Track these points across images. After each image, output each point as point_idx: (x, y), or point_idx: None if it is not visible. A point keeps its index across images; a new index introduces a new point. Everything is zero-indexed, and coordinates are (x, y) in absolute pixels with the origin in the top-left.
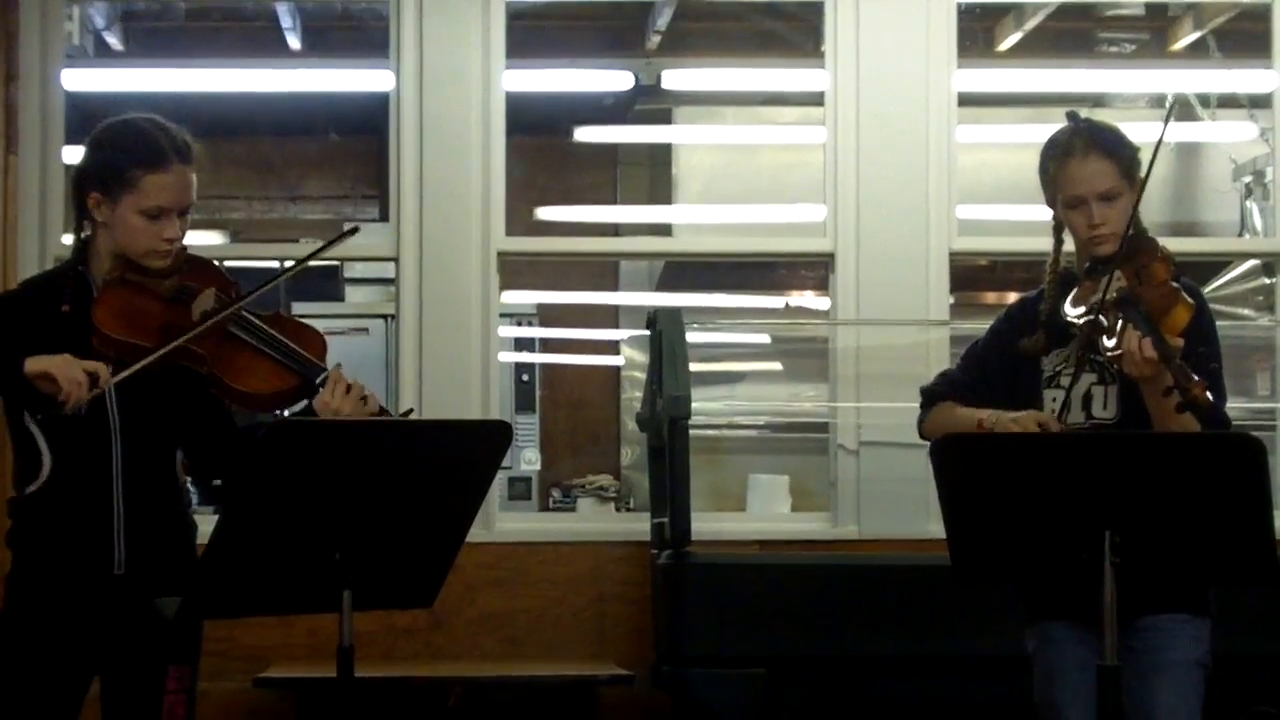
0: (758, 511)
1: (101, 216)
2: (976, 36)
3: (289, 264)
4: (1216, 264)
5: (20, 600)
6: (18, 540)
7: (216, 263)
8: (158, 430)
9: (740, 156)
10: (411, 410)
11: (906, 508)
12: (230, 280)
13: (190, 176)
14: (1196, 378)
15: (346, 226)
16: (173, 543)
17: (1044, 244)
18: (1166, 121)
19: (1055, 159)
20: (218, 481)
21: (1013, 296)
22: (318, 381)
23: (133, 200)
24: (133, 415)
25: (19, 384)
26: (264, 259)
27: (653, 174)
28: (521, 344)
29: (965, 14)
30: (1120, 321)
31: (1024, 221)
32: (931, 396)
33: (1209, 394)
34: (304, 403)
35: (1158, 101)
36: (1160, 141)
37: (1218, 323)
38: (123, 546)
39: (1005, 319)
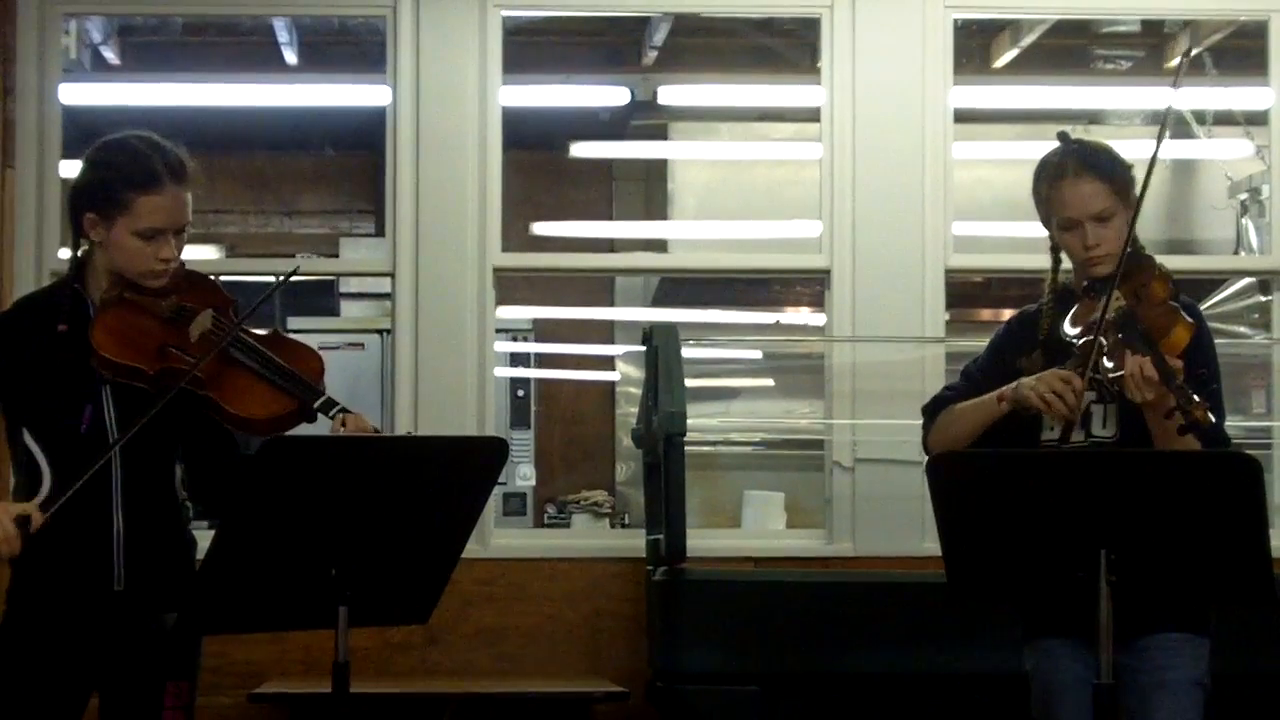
0: (753, 528)
1: (97, 237)
2: (973, 53)
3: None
4: (1212, 282)
5: (19, 616)
6: (17, 556)
7: (213, 278)
8: (157, 448)
9: (736, 172)
10: (410, 434)
11: (902, 525)
12: (228, 298)
13: (185, 196)
14: (1198, 399)
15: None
16: (172, 559)
17: (1040, 261)
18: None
19: (1048, 181)
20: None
21: (1008, 313)
22: (315, 406)
23: (127, 222)
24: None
25: None
26: (259, 274)
27: (648, 189)
28: (517, 359)
29: (961, 30)
30: (1120, 342)
31: (1020, 238)
32: (933, 411)
33: (1211, 415)
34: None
35: (1153, 119)
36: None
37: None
38: (122, 563)
39: (1004, 334)
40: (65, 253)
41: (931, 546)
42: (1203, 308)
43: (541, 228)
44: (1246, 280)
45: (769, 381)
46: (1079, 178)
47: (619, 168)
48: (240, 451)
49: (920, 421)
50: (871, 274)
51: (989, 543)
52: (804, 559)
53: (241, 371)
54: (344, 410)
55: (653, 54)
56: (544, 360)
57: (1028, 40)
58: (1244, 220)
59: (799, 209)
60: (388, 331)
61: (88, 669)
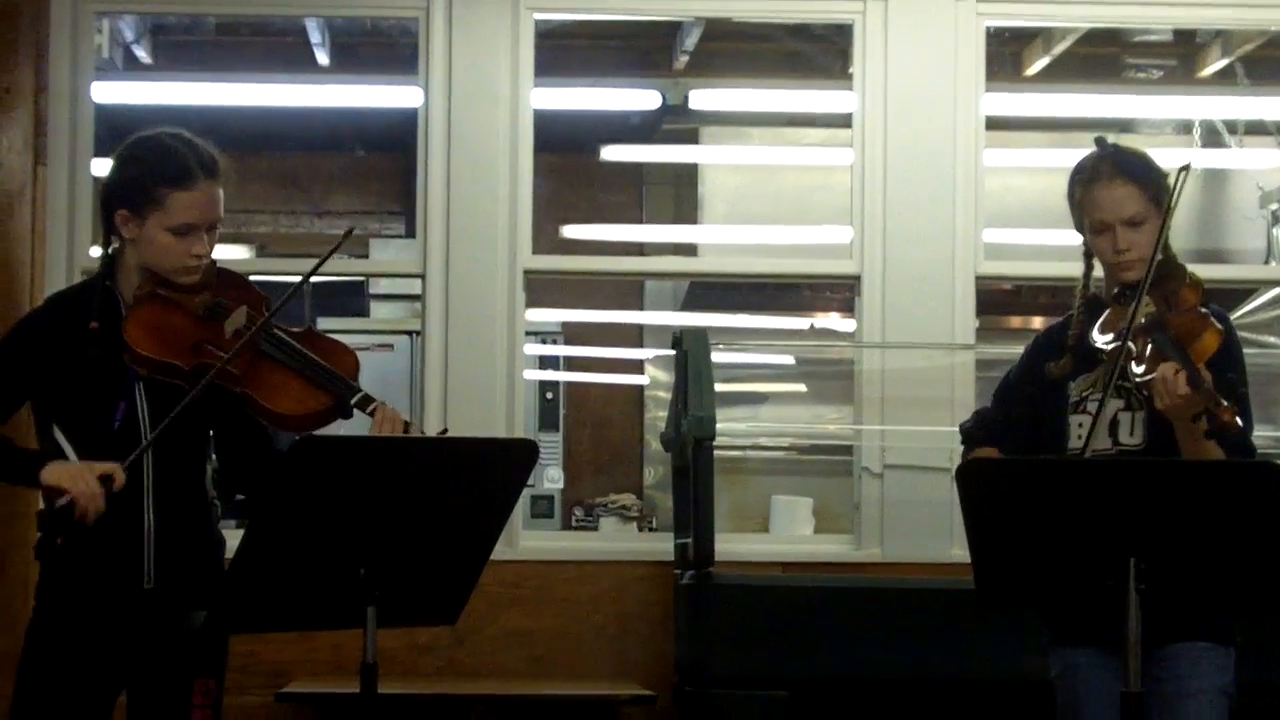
0: (781, 533)
1: (129, 234)
2: (1004, 61)
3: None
4: (1242, 291)
5: (49, 612)
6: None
7: (246, 277)
8: (189, 445)
9: (766, 177)
10: (446, 430)
11: (930, 531)
12: (261, 295)
13: (217, 192)
14: (1225, 404)
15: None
16: (202, 557)
17: (1069, 269)
18: (1176, 194)
19: (1082, 184)
20: (241, 497)
21: (1038, 321)
22: (352, 403)
23: (160, 218)
24: (164, 429)
25: (35, 486)
26: (289, 274)
27: (678, 193)
28: (546, 362)
29: (994, 38)
30: (1149, 348)
31: (1050, 246)
32: (970, 439)
33: (1238, 420)
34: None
35: (1185, 128)
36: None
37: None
38: (152, 560)
39: (1032, 351)
40: (96, 251)
41: (960, 553)
42: (1233, 317)
43: (572, 231)
44: (1277, 290)
45: (798, 387)
46: (1112, 181)
47: (649, 171)
48: (273, 445)
49: (950, 429)
50: (902, 280)
51: (1018, 550)
52: (832, 564)
53: (277, 368)
54: (377, 404)
55: (684, 58)
56: (573, 363)
57: (1059, 48)
58: (1275, 230)
59: (829, 214)
60: (417, 333)
61: (117, 666)
